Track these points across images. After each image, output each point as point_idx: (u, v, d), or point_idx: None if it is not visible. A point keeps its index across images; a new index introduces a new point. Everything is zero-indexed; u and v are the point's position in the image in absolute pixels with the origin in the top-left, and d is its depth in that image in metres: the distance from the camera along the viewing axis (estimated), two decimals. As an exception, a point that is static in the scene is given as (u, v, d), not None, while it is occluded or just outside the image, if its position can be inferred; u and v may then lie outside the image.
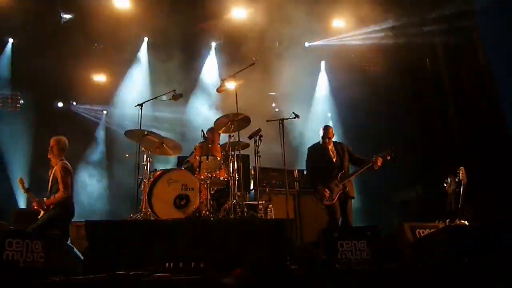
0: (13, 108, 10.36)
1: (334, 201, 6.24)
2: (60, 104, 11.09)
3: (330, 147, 6.64)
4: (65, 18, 9.90)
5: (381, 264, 4.51)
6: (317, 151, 6.68)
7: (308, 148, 6.87)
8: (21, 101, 10.45)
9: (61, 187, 5.77)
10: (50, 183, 5.95)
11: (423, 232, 5.07)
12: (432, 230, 5.01)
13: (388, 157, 6.44)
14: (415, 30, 10.20)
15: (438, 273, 3.80)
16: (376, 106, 11.30)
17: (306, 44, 11.36)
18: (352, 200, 6.50)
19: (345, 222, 6.24)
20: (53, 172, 5.96)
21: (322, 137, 6.66)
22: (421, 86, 11.07)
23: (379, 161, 6.36)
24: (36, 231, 5.45)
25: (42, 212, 5.86)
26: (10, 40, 10.32)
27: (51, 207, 5.79)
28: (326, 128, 6.72)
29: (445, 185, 6.61)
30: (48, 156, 6.08)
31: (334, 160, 6.53)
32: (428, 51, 10.61)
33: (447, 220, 6.03)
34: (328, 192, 6.25)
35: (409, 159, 10.53)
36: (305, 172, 6.88)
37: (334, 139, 6.75)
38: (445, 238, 4.54)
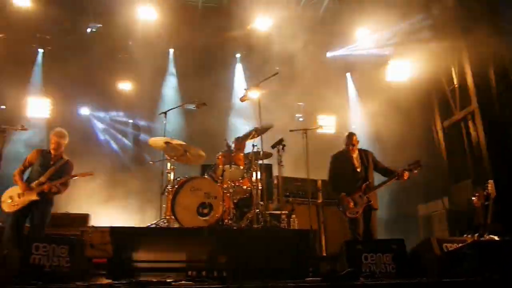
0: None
1: (359, 214, 6.10)
2: (85, 111, 11.26)
3: (354, 155, 6.41)
4: (94, 27, 10.11)
5: (406, 279, 4.41)
6: (341, 159, 6.47)
7: (331, 156, 6.63)
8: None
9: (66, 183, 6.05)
10: (53, 171, 6.00)
11: (450, 247, 4.90)
12: (460, 245, 4.85)
13: (415, 171, 6.23)
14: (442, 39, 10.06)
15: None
16: (402, 117, 11.17)
17: (328, 54, 11.27)
18: (376, 212, 6.30)
19: (368, 235, 6.06)
20: (61, 165, 6.08)
21: (346, 145, 6.46)
22: (447, 97, 10.92)
23: (406, 175, 6.15)
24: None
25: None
26: (40, 51, 10.60)
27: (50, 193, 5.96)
28: (350, 135, 6.48)
29: (473, 198, 6.45)
30: (54, 151, 6.13)
31: (358, 169, 6.31)
32: (455, 61, 10.46)
33: (476, 235, 5.88)
34: (352, 203, 6.09)
35: (436, 171, 10.36)
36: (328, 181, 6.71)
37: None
38: (474, 253, 4.41)
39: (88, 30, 10.18)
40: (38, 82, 10.76)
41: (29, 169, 6.10)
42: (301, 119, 12.14)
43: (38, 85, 10.79)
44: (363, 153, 6.49)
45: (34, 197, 5.77)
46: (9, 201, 5.78)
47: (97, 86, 10.66)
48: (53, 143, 6.12)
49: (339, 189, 6.31)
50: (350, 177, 6.29)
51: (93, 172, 6.25)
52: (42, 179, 5.85)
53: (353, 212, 6.05)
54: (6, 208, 5.77)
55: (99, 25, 10.22)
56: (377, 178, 6.48)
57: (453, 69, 10.63)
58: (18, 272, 3.91)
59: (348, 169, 6.34)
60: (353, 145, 6.41)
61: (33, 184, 5.84)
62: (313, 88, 11.64)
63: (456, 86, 10.50)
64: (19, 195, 5.81)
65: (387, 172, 6.37)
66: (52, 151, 6.15)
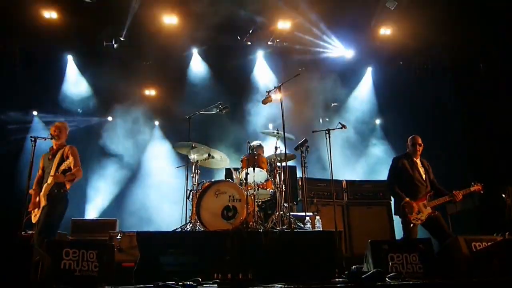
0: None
1: (421, 222, 5.91)
2: (110, 118, 11.51)
3: (418, 161, 6.26)
4: (117, 39, 10.31)
5: (434, 279, 4.35)
6: (406, 164, 6.23)
7: (394, 159, 6.45)
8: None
9: (77, 166, 5.93)
10: (55, 166, 5.90)
11: (479, 246, 4.79)
12: (489, 243, 4.74)
13: (477, 191, 6.05)
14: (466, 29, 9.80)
15: (495, 289, 3.61)
16: (427, 112, 10.99)
17: (350, 53, 11.14)
18: (438, 214, 6.03)
19: (443, 237, 5.72)
20: (60, 154, 5.99)
21: (413, 147, 6.29)
22: (474, 91, 10.66)
23: (460, 196, 5.95)
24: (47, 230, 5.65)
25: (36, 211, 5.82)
26: (70, 59, 10.88)
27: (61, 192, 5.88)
28: (415, 138, 6.32)
29: (503, 195, 6.30)
30: (56, 143, 6.09)
31: (423, 176, 6.16)
32: (482, 52, 10.20)
33: (506, 233, 5.72)
34: (417, 208, 5.93)
35: (465, 168, 10.12)
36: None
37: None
38: (504, 252, 4.31)
39: (114, 45, 10.36)
40: (67, 91, 11.07)
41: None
42: (327, 119, 12.06)
43: (65, 94, 11.09)
44: (425, 162, 6.34)
45: (43, 203, 5.77)
46: (33, 213, 5.86)
47: (123, 93, 10.85)
48: (53, 133, 6.07)
49: (403, 194, 6.11)
50: (415, 185, 6.14)
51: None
52: (48, 180, 5.84)
53: (418, 219, 5.92)
54: (33, 220, 5.85)
55: (122, 38, 10.34)
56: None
57: (481, 59, 10.36)
58: (50, 277, 4.03)
59: (414, 176, 6.17)
60: (420, 145, 6.26)
61: (43, 190, 5.82)
62: (337, 87, 11.58)
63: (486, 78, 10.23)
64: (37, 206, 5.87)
65: (437, 191, 6.14)
66: (53, 145, 6.14)
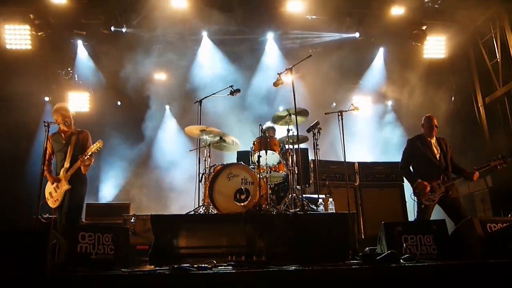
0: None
1: (435, 202, 5.84)
2: (119, 103, 11.54)
3: (433, 141, 6.12)
4: (129, 26, 10.28)
5: (448, 260, 4.33)
6: (419, 144, 6.12)
7: (408, 140, 6.33)
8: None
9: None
10: (71, 150, 5.90)
11: (494, 227, 4.74)
12: (504, 225, 4.69)
13: (499, 166, 5.89)
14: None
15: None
16: (440, 94, 10.88)
17: (357, 34, 10.95)
18: (458, 198, 6.00)
19: (458, 218, 5.56)
20: (75, 139, 5.99)
21: (425, 128, 6.17)
22: (489, 72, 10.51)
23: (476, 176, 5.86)
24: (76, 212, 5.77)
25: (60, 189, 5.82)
26: (80, 45, 10.86)
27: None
28: (430, 118, 6.16)
29: (517, 176, 6.23)
30: (63, 127, 6.05)
31: (437, 156, 6.03)
32: (497, 33, 10.02)
33: (522, 214, 5.68)
34: (429, 187, 5.84)
35: (478, 148, 10.03)
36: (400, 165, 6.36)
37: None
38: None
39: (124, 30, 10.31)
40: (78, 77, 11.09)
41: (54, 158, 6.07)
42: (337, 102, 11.96)
43: (78, 80, 11.13)
44: (442, 141, 6.20)
45: (65, 186, 5.76)
46: (50, 197, 5.87)
47: (133, 77, 10.82)
48: (60, 120, 6.04)
49: (414, 175, 6.08)
50: (428, 164, 6.03)
51: (101, 141, 5.94)
52: (66, 164, 5.82)
53: (430, 199, 5.84)
54: (51, 204, 5.87)
55: (134, 23, 10.28)
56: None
57: (495, 41, 10.21)
58: (67, 261, 4.09)
59: (427, 155, 6.06)
60: (436, 126, 6.13)
61: (61, 174, 5.82)
62: (348, 68, 11.43)
63: (499, 59, 10.09)
64: (55, 189, 5.85)
65: (458, 171, 6.05)
66: (62, 129, 6.09)
